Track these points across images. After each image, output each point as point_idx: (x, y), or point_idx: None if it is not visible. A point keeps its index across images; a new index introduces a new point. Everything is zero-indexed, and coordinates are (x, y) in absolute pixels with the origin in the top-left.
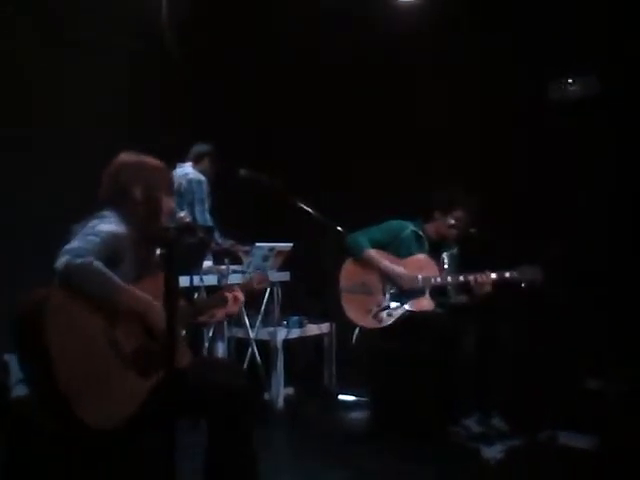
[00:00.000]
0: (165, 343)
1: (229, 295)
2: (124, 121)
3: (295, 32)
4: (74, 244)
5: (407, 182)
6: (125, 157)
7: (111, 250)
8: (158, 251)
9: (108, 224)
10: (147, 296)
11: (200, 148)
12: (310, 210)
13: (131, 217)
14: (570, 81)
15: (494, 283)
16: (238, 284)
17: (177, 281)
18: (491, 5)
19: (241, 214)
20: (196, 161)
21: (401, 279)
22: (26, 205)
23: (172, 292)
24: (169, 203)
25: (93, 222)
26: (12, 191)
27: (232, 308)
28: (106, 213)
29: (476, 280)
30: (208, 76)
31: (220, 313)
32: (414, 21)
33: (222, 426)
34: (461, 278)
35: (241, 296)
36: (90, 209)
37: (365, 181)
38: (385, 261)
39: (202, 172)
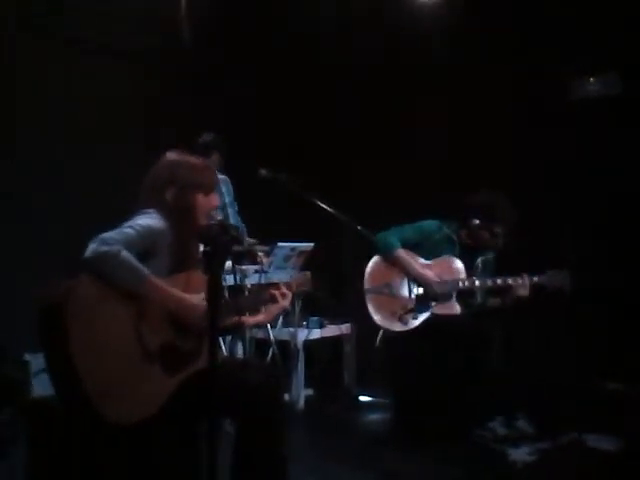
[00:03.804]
0: (199, 340)
1: (276, 292)
2: (129, 121)
3: (311, 32)
4: (106, 234)
5: (426, 184)
6: (165, 157)
7: (147, 243)
8: (201, 247)
9: (148, 218)
10: (178, 291)
11: (205, 140)
12: (330, 209)
13: (166, 217)
14: (591, 80)
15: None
16: (284, 282)
17: (220, 278)
18: (509, 3)
19: (261, 214)
20: (206, 157)
21: (431, 286)
22: (26, 200)
23: (216, 289)
24: (209, 202)
25: (136, 217)
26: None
27: (283, 303)
28: (149, 210)
29: (509, 285)
30: (220, 74)
31: (275, 309)
32: (425, 21)
33: (253, 426)
34: (489, 282)
35: (288, 292)
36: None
37: (383, 183)
38: (416, 265)
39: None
